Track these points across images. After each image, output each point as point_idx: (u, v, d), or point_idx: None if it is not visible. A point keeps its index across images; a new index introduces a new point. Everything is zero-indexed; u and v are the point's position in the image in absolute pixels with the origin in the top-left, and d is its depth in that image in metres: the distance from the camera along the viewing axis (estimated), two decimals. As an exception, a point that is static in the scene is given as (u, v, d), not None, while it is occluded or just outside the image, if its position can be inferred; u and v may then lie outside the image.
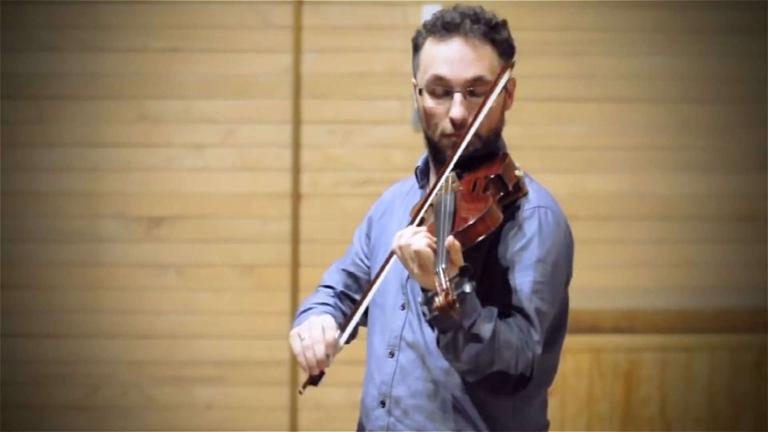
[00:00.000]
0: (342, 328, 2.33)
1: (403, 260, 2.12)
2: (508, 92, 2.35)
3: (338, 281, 2.56)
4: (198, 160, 4.88)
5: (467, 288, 2.01)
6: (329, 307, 2.48)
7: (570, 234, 2.33)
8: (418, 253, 2.08)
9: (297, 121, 4.87)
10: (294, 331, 2.35)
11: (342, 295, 2.55)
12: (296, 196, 4.89)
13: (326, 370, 2.32)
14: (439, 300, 1.99)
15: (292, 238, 4.88)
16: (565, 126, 4.89)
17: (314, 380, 2.33)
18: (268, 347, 4.89)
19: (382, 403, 2.35)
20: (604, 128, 4.91)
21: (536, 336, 2.20)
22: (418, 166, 2.43)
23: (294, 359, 4.86)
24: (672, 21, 4.90)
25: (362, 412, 2.44)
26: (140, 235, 4.87)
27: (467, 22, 2.29)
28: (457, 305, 1.99)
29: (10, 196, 4.84)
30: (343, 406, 4.88)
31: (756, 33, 4.87)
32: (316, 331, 2.31)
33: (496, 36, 2.30)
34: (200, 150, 4.88)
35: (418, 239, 2.09)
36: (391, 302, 2.36)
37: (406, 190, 2.49)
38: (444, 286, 1.99)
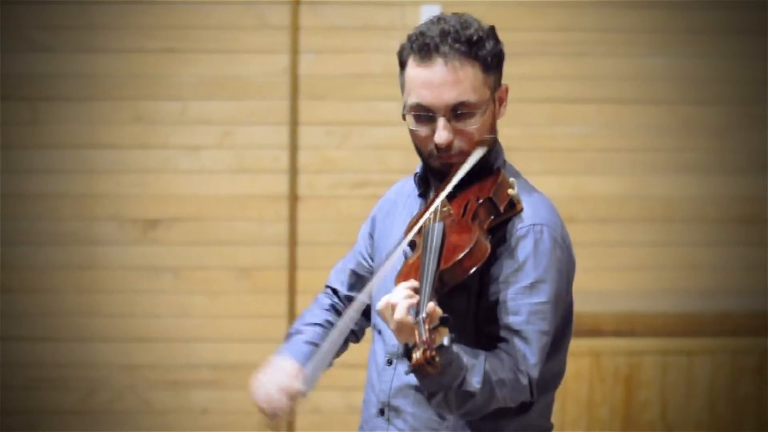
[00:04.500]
0: (306, 379, 2.33)
1: (387, 318, 2.06)
2: (500, 100, 2.30)
3: (344, 281, 2.54)
4: (194, 161, 4.86)
5: (446, 341, 1.94)
6: (319, 328, 2.46)
7: (568, 247, 2.28)
8: (399, 322, 2.01)
9: (294, 123, 4.85)
10: (257, 377, 2.40)
11: (346, 299, 2.53)
12: (293, 198, 4.87)
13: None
14: (416, 355, 1.91)
15: (289, 241, 4.86)
16: (564, 127, 4.87)
17: (276, 427, 2.34)
18: (265, 351, 4.82)
19: (381, 412, 2.34)
20: (604, 129, 4.90)
21: (533, 359, 2.16)
22: (417, 173, 2.40)
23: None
24: (672, 21, 4.89)
25: (362, 419, 2.43)
26: (136, 238, 4.85)
27: (447, 41, 2.21)
28: (437, 359, 1.91)
29: (4, 198, 4.82)
30: (340, 409, 4.86)
31: (756, 33, 4.86)
32: (279, 378, 2.35)
33: (479, 52, 2.23)
34: (196, 151, 4.86)
35: (401, 308, 2.01)
36: None
37: (408, 192, 2.46)
38: (424, 338, 1.92)
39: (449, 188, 2.21)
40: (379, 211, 2.52)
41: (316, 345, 2.44)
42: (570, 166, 4.89)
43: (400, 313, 2.00)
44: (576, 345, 4.44)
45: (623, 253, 4.91)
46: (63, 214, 4.85)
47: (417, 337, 1.94)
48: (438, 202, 2.21)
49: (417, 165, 2.41)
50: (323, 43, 4.84)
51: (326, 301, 2.54)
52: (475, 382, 2.06)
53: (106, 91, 4.83)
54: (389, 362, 2.33)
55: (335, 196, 4.86)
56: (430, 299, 1.98)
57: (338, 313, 2.51)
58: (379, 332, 2.39)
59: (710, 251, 4.93)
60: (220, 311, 4.87)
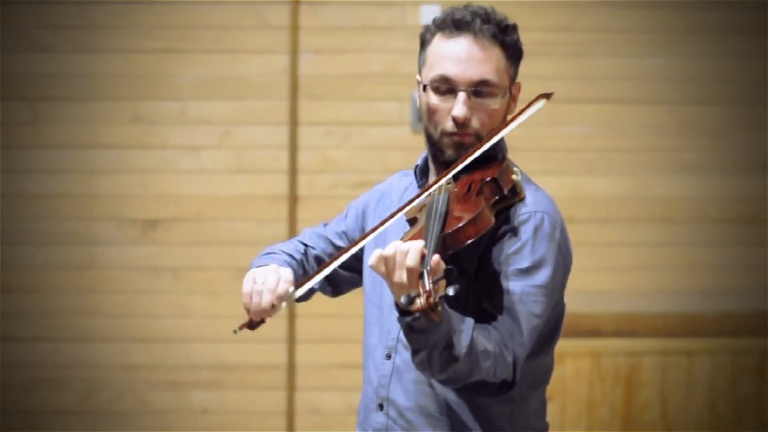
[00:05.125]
0: (298, 285, 2.31)
1: (390, 269, 2.04)
2: (512, 96, 2.34)
3: (317, 244, 2.55)
4: (194, 162, 4.85)
5: (450, 291, 1.94)
6: (293, 261, 2.46)
7: (566, 239, 2.30)
8: (409, 270, 2.00)
9: (294, 123, 4.85)
10: (250, 273, 2.32)
11: (315, 258, 2.53)
12: (293, 199, 4.86)
13: (269, 320, 2.31)
14: (420, 301, 1.94)
15: (288, 241, 4.86)
16: (564, 127, 4.86)
17: (252, 325, 2.32)
18: (264, 351, 4.86)
19: (380, 406, 2.34)
20: (604, 130, 4.89)
21: (521, 338, 2.18)
22: (417, 165, 2.41)
23: (290, 361, 4.85)
24: (672, 21, 4.89)
25: (360, 414, 2.43)
26: (135, 238, 4.85)
27: (477, 21, 2.26)
28: (439, 308, 1.95)
29: (4, 198, 4.82)
30: (339, 410, 4.86)
31: (756, 33, 4.86)
32: (270, 279, 2.28)
33: (505, 38, 2.29)
34: (196, 152, 4.85)
35: (411, 256, 2.01)
36: (388, 302, 2.33)
37: (405, 186, 2.47)
38: (427, 288, 1.95)
39: (475, 155, 2.23)
40: (371, 199, 2.53)
41: (295, 259, 2.44)
42: (570, 166, 4.88)
43: (412, 260, 1.99)
44: (576, 345, 4.46)
45: (623, 253, 4.91)
46: (63, 214, 4.84)
47: (421, 286, 1.96)
48: (449, 175, 2.22)
49: (418, 157, 2.42)
50: (323, 43, 4.84)
51: (300, 246, 2.54)
52: (461, 346, 2.07)
53: (106, 91, 4.82)
54: (388, 356, 2.33)
55: (335, 196, 4.85)
56: (434, 253, 2.01)
57: (308, 262, 2.51)
58: (377, 326, 2.39)
59: (710, 251, 4.93)
60: (219, 311, 4.87)
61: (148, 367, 4.88)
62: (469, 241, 2.09)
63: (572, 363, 4.48)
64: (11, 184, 4.83)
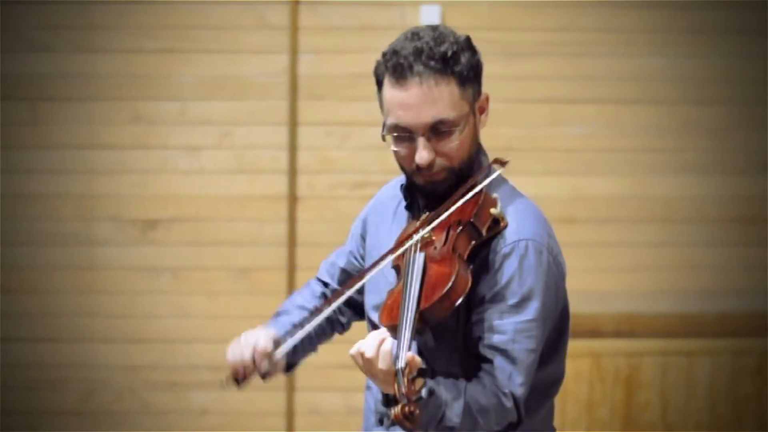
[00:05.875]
0: (277, 343, 2.33)
1: (365, 370, 2.07)
2: (481, 110, 2.27)
3: (333, 275, 2.54)
4: (193, 162, 4.85)
5: (423, 393, 1.95)
6: (307, 312, 2.46)
7: (555, 258, 2.24)
8: (385, 372, 2.03)
9: (293, 123, 4.84)
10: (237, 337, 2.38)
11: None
12: (293, 199, 4.86)
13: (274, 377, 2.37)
14: (395, 410, 1.90)
15: (288, 241, 4.86)
16: (564, 127, 4.86)
17: (238, 381, 2.36)
18: (264, 351, 4.85)
19: (380, 421, 2.33)
20: (604, 129, 4.89)
21: (519, 379, 2.15)
22: (403, 184, 2.36)
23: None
24: (672, 21, 4.88)
25: (363, 422, 2.42)
26: (135, 238, 4.84)
27: (421, 60, 2.17)
28: (416, 413, 1.91)
29: (4, 198, 4.82)
30: (339, 410, 4.85)
31: (756, 33, 4.86)
32: (252, 337, 2.33)
33: (454, 68, 2.19)
34: (196, 152, 4.85)
35: (383, 358, 2.03)
36: None
37: (400, 197, 2.41)
38: (403, 390, 1.92)
39: (443, 217, 2.20)
40: (370, 214, 2.50)
41: (302, 326, 2.43)
42: (570, 166, 4.88)
43: (383, 364, 2.02)
44: (575, 346, 4.42)
45: (623, 253, 4.90)
46: (63, 215, 4.84)
47: (396, 389, 1.93)
48: (426, 230, 2.19)
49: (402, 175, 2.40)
50: (322, 43, 4.83)
51: (318, 288, 2.55)
52: (454, 417, 2.07)
53: (105, 91, 4.82)
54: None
55: (335, 196, 4.85)
56: (409, 347, 1.97)
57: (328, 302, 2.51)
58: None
59: (710, 251, 4.93)
60: (219, 312, 4.87)
61: (148, 368, 4.88)
62: (448, 313, 2.07)
63: (572, 363, 4.45)
64: (11, 184, 4.82)
